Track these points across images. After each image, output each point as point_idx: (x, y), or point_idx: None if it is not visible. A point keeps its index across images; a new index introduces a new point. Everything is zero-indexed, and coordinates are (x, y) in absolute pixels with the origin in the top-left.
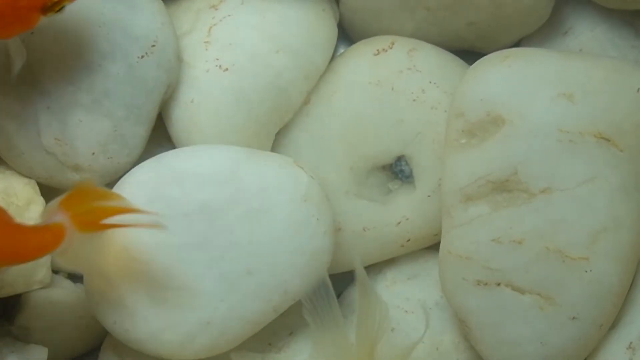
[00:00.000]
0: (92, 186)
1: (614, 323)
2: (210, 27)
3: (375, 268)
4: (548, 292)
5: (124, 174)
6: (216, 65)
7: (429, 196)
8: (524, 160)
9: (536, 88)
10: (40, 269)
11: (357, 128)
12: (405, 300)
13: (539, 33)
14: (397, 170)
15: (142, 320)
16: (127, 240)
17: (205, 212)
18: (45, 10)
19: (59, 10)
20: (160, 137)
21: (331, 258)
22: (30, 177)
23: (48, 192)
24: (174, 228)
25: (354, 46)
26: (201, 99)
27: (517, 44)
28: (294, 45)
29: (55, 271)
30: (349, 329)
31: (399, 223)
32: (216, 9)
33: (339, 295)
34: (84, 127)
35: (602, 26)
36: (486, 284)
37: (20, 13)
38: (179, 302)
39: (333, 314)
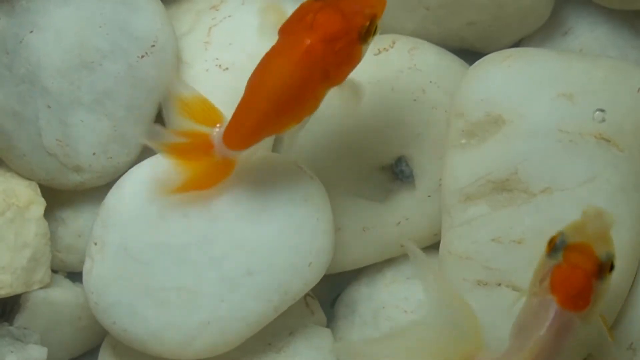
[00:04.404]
0: None
1: (614, 323)
2: (210, 27)
3: (374, 268)
4: None
5: (123, 173)
6: (216, 65)
7: (429, 196)
8: (524, 160)
9: (536, 88)
10: (39, 268)
11: (357, 128)
12: (405, 300)
13: (539, 33)
14: (398, 171)
15: (141, 320)
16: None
17: (205, 212)
18: (364, 38)
19: (374, 33)
20: None
21: (331, 258)
22: (31, 179)
23: (49, 193)
24: (174, 228)
25: None
26: None
27: (518, 44)
28: None
29: (54, 270)
30: (350, 329)
31: (399, 223)
32: (217, 10)
33: (338, 295)
34: (86, 127)
35: (603, 26)
36: (486, 284)
37: (342, 56)
38: (179, 302)
39: None
